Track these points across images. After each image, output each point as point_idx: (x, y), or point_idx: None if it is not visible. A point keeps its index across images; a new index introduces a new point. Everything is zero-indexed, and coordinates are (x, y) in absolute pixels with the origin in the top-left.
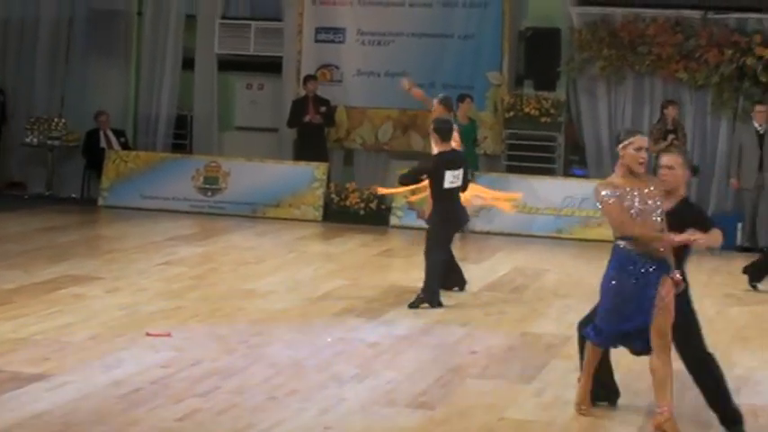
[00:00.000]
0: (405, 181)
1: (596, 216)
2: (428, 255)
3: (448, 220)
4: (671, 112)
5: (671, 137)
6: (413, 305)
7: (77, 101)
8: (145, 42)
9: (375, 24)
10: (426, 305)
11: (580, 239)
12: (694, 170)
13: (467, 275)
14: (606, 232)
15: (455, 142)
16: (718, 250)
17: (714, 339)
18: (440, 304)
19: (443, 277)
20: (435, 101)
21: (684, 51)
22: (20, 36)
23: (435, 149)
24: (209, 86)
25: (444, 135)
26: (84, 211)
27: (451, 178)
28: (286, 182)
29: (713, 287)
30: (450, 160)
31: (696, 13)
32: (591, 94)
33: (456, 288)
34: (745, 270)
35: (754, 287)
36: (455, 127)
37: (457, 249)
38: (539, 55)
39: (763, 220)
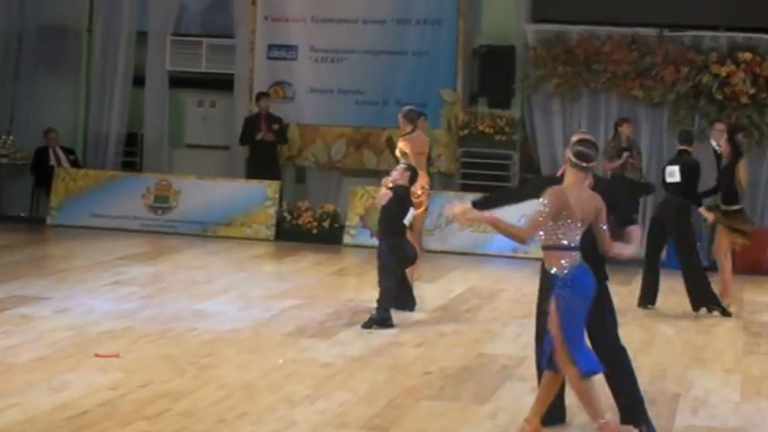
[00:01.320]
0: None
1: None
2: (382, 281)
3: (404, 258)
4: (625, 129)
5: (625, 155)
6: (366, 325)
7: (26, 118)
8: (95, 59)
9: (328, 41)
10: (377, 326)
11: (537, 259)
12: (648, 188)
13: (421, 294)
14: None
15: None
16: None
17: (671, 360)
18: (391, 325)
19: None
20: (400, 114)
21: (640, 69)
22: None
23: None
24: (159, 104)
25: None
26: (32, 229)
27: (411, 216)
28: (238, 200)
29: (671, 306)
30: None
31: (652, 31)
32: (546, 111)
33: (407, 309)
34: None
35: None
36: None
37: (410, 268)
38: (493, 72)
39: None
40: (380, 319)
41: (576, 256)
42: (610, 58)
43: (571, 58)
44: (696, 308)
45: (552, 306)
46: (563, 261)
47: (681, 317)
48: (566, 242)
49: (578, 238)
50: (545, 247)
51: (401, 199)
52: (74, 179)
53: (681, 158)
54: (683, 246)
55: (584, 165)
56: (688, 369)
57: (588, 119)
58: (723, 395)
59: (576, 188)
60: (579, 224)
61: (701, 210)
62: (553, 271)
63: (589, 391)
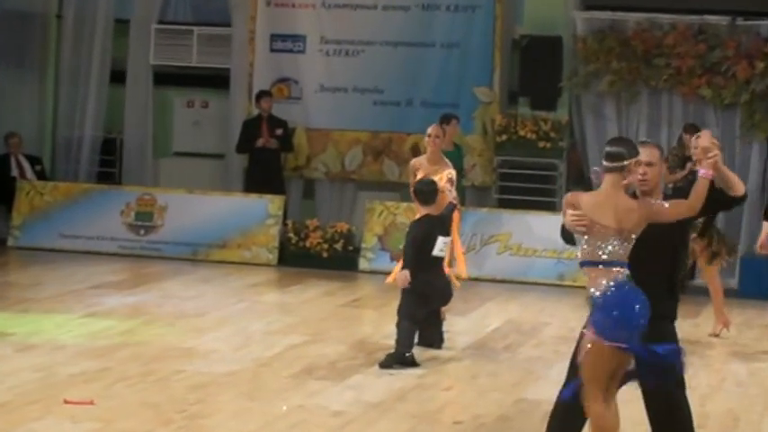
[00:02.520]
0: (409, 263)
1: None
2: (399, 321)
3: (430, 296)
4: (694, 140)
5: (689, 165)
6: (384, 364)
7: None
8: (65, 51)
9: (341, 31)
10: (398, 365)
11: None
12: None
13: (451, 329)
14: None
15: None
16: None
17: (745, 405)
18: (415, 364)
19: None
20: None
21: (708, 64)
22: None
23: (418, 214)
24: (142, 104)
25: (426, 199)
26: None
27: (442, 245)
28: (234, 218)
29: (745, 343)
30: (440, 224)
31: (722, 20)
32: (598, 114)
33: (434, 346)
34: None
35: None
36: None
37: None
38: (536, 68)
39: None
40: (400, 357)
41: (618, 274)
42: (673, 51)
43: (627, 52)
44: None
45: (586, 332)
46: (602, 280)
47: (755, 355)
48: (604, 257)
49: (621, 252)
50: (581, 264)
51: (426, 229)
52: (40, 193)
53: None
54: None
55: (614, 165)
56: (764, 416)
57: (647, 122)
58: None
59: (607, 194)
60: (617, 236)
61: None
62: (591, 291)
63: None
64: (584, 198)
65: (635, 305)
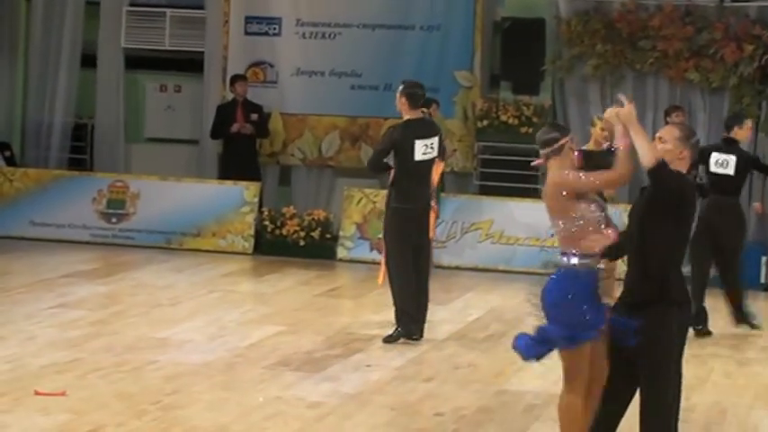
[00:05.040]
0: (374, 165)
1: None
2: (391, 281)
3: (407, 219)
4: (675, 120)
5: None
6: (389, 339)
7: None
8: (35, 34)
9: (318, 13)
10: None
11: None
12: (703, 191)
13: (431, 319)
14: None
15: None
16: None
17: (733, 398)
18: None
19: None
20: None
21: (696, 47)
22: None
23: (404, 117)
24: (113, 88)
25: (415, 100)
26: None
27: (424, 148)
28: (209, 205)
29: (733, 335)
30: (419, 127)
31: (710, 1)
32: (582, 98)
33: (415, 337)
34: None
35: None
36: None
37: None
38: (518, 51)
39: None
40: (405, 331)
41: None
42: (659, 33)
43: (612, 34)
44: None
45: None
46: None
47: (742, 345)
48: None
49: (557, 233)
50: None
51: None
52: (9, 180)
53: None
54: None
55: (551, 149)
56: (752, 409)
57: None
58: None
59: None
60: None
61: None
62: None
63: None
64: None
65: (568, 294)
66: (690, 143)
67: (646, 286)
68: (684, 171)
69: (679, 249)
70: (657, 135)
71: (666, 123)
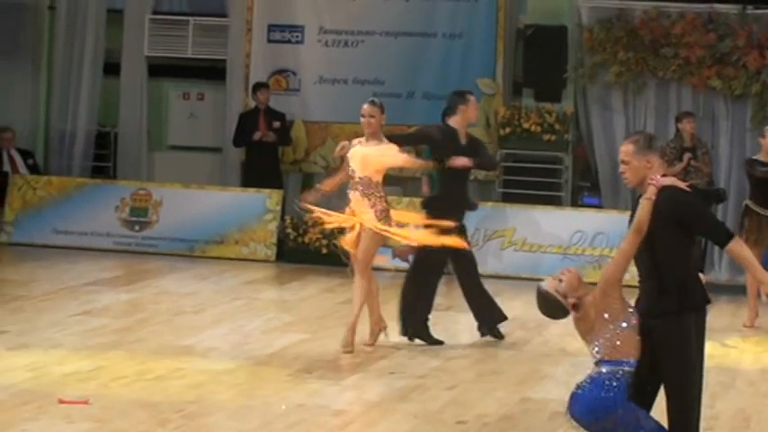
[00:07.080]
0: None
1: (612, 255)
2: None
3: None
4: (686, 126)
5: (687, 156)
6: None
7: None
8: (58, 42)
9: (341, 21)
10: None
11: (593, 284)
12: (719, 195)
13: (454, 327)
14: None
15: None
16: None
17: (756, 404)
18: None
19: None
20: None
21: (718, 54)
22: None
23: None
24: (137, 97)
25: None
26: None
27: None
28: (232, 213)
29: (757, 341)
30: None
31: (733, 8)
32: (604, 105)
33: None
34: None
35: None
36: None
37: (441, 296)
38: (541, 58)
39: None
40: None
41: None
42: (681, 40)
43: (635, 42)
44: None
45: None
46: None
47: (766, 353)
48: None
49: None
50: None
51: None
52: (33, 188)
53: None
54: None
55: None
56: None
57: (655, 114)
58: None
59: None
60: None
61: None
62: None
63: None
64: None
65: None
66: (651, 149)
67: (663, 299)
68: (660, 175)
69: (692, 256)
70: (620, 159)
71: (677, 130)
